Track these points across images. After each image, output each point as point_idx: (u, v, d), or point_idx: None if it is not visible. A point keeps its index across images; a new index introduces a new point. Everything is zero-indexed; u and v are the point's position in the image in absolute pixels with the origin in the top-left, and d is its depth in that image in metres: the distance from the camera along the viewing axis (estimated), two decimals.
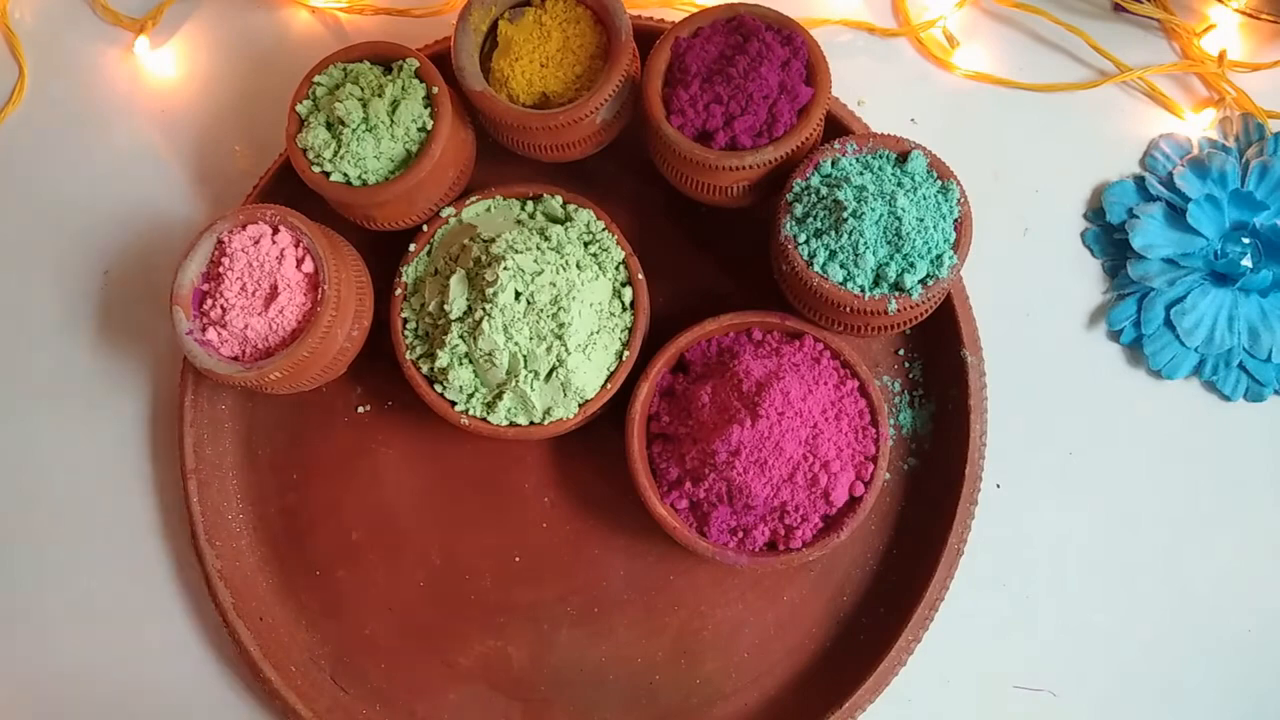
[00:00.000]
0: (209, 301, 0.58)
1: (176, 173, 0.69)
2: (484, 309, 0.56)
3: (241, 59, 0.71)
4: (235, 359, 0.58)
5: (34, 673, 0.65)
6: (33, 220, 0.69)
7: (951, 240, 0.54)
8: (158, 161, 0.69)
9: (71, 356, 0.67)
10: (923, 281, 0.54)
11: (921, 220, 0.54)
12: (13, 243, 0.69)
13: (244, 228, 0.58)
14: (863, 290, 0.54)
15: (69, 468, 0.66)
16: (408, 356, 0.60)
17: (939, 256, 0.54)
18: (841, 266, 0.54)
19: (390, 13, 0.70)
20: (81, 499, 0.66)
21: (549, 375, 0.58)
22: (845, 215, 0.53)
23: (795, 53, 0.57)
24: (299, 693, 0.61)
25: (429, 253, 0.61)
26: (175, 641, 0.64)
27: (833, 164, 0.56)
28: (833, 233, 0.54)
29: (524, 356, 0.57)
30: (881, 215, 0.53)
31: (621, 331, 0.60)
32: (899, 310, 0.54)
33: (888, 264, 0.54)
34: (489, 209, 0.62)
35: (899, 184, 0.55)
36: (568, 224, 0.61)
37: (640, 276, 0.60)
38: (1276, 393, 0.63)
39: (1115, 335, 0.65)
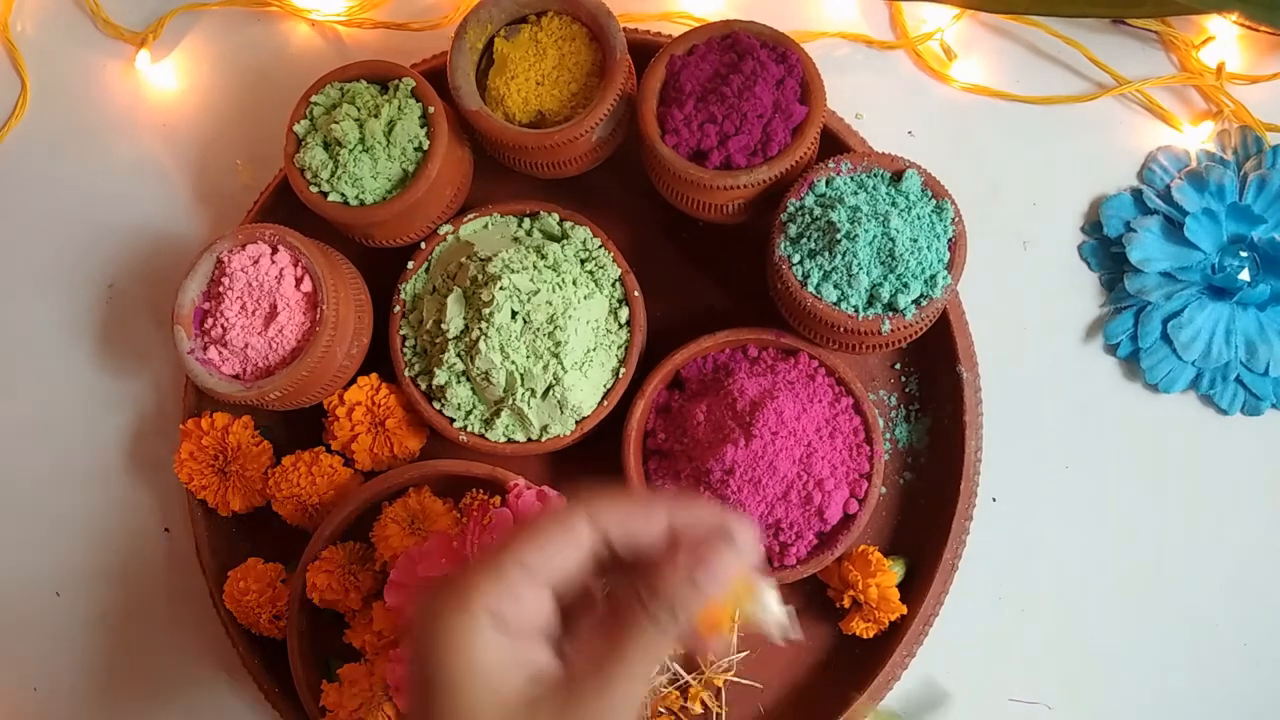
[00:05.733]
0: (210, 320, 0.58)
1: (178, 186, 0.70)
2: (480, 329, 0.57)
3: (242, 72, 0.71)
4: (236, 378, 0.58)
5: (37, 681, 0.66)
6: (37, 233, 0.70)
7: (945, 260, 0.55)
8: (160, 175, 0.70)
9: (76, 369, 0.68)
10: (916, 302, 0.54)
11: (915, 241, 0.54)
12: (18, 256, 0.70)
13: (243, 247, 0.58)
14: (856, 310, 0.55)
15: (73, 481, 0.67)
16: (406, 373, 0.61)
17: (933, 277, 0.54)
18: (835, 287, 0.54)
19: (389, 26, 0.70)
20: (85, 511, 0.67)
21: (545, 393, 0.58)
22: (839, 236, 0.54)
23: (790, 71, 0.57)
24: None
25: (427, 270, 0.62)
26: (177, 652, 0.65)
27: (827, 183, 0.56)
28: (826, 253, 0.54)
29: (520, 375, 0.57)
30: (875, 236, 0.54)
31: (618, 349, 0.60)
32: (893, 330, 0.55)
33: (881, 284, 0.54)
34: (486, 226, 0.62)
35: (893, 204, 0.55)
36: (564, 241, 0.61)
37: (637, 294, 0.61)
38: (1274, 406, 0.63)
39: (1112, 349, 0.65)
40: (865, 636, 0.59)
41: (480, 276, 0.58)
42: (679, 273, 0.65)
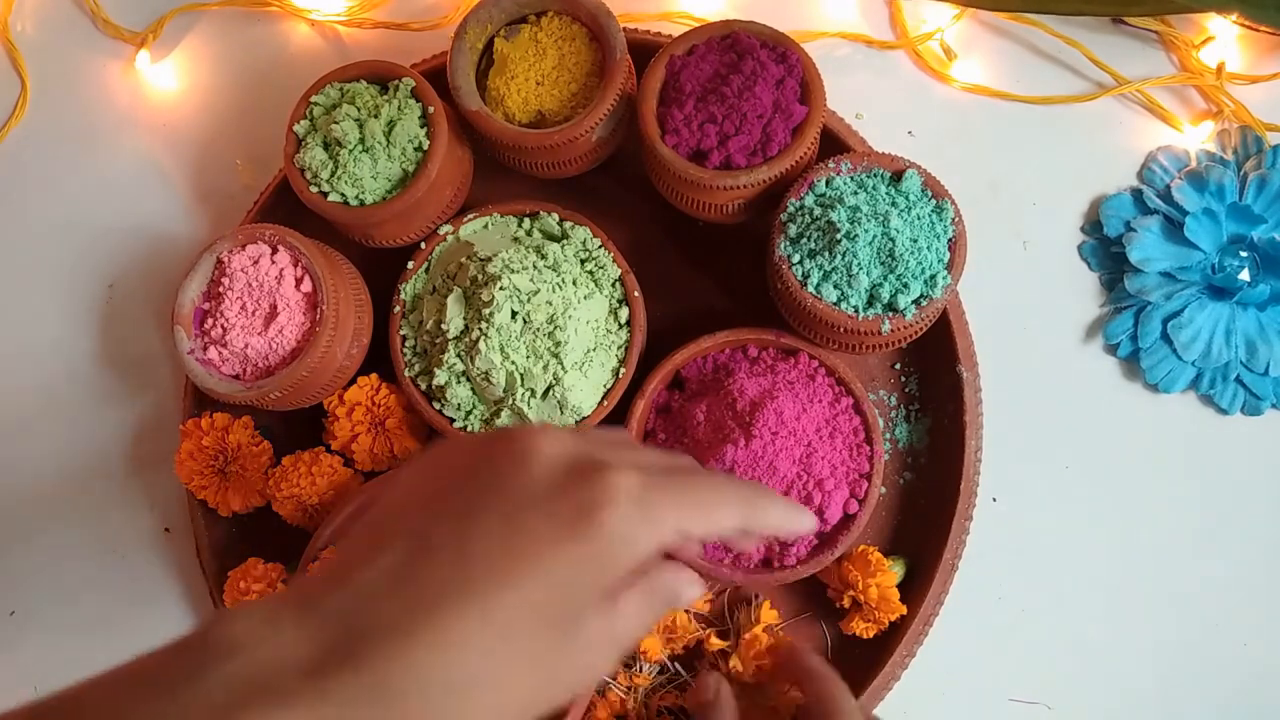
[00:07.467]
0: (210, 321, 0.58)
1: (178, 186, 0.70)
2: (480, 329, 0.57)
3: (242, 72, 0.71)
4: (236, 378, 0.58)
5: (37, 680, 0.66)
6: (37, 234, 0.70)
7: (945, 260, 0.55)
8: (160, 175, 0.70)
9: (76, 369, 0.68)
10: (916, 302, 0.54)
11: (915, 241, 0.54)
12: (18, 256, 0.70)
13: (243, 248, 0.58)
14: (856, 311, 0.54)
15: (72, 481, 0.67)
16: (406, 373, 0.60)
17: (933, 277, 0.54)
18: (835, 287, 0.54)
19: (389, 26, 0.70)
20: (85, 511, 0.67)
21: (545, 393, 0.58)
22: (839, 236, 0.54)
23: (790, 70, 0.57)
24: None
25: (427, 270, 0.62)
26: None
27: (827, 183, 0.56)
28: (826, 254, 0.54)
29: (520, 375, 0.57)
30: (875, 236, 0.54)
31: (618, 349, 0.60)
32: (893, 330, 0.54)
33: (881, 285, 0.54)
34: (486, 226, 0.62)
35: (893, 204, 0.55)
36: (564, 241, 0.61)
37: (637, 294, 0.61)
38: (1274, 406, 0.63)
39: (1112, 349, 0.65)
40: (865, 636, 0.59)
41: (480, 276, 0.58)
42: (679, 273, 0.65)
